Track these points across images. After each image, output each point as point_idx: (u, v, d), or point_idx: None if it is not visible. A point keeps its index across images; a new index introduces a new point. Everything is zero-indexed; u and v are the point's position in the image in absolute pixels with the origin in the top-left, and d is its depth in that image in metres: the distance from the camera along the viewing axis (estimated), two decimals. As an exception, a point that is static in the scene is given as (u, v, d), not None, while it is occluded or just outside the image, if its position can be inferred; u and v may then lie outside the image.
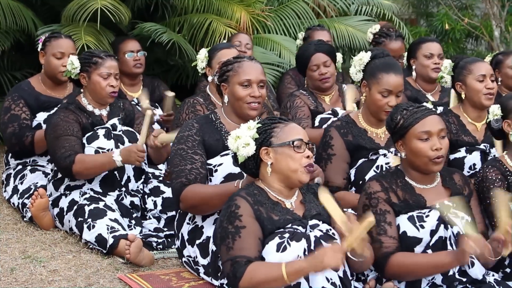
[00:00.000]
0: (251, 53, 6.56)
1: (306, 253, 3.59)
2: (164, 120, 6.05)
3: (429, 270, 3.82)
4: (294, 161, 3.69)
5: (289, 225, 3.67)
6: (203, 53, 5.61)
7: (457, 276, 3.88)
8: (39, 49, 5.70)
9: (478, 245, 3.66)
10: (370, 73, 4.62)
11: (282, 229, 3.65)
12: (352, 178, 4.60)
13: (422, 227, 3.90)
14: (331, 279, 3.59)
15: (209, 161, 4.32)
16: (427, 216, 3.92)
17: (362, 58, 4.70)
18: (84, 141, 5.01)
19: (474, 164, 4.85)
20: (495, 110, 4.38)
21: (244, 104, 4.34)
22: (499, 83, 5.84)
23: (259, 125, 3.77)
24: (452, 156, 4.87)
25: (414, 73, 5.99)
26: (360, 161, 4.59)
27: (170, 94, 6.08)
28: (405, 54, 6.25)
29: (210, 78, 5.54)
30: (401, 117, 3.97)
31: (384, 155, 4.54)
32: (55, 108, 5.35)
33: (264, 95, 4.39)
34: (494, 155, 4.75)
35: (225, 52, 5.46)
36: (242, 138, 3.76)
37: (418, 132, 3.92)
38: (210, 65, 5.54)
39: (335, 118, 5.38)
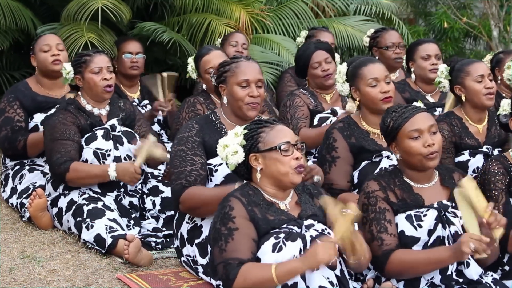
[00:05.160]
0: (247, 53, 6.57)
1: (302, 253, 3.58)
2: (165, 109, 6.06)
3: (429, 266, 3.82)
4: (283, 165, 3.69)
5: (284, 225, 3.67)
6: (191, 63, 5.71)
7: (454, 276, 3.88)
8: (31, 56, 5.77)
9: (478, 245, 3.64)
10: (352, 76, 4.69)
11: (277, 230, 3.65)
12: (356, 180, 4.60)
13: (420, 226, 3.90)
14: (328, 278, 3.60)
15: (209, 161, 4.32)
16: (424, 215, 3.92)
17: (341, 70, 4.82)
18: (83, 142, 5.01)
19: (478, 167, 4.84)
20: (505, 105, 4.39)
21: (243, 104, 4.34)
22: (499, 81, 5.84)
23: (246, 131, 3.77)
24: (456, 159, 4.87)
25: (413, 76, 5.99)
26: (363, 164, 4.59)
27: (164, 74, 6.12)
28: (404, 57, 6.27)
29: (204, 86, 5.61)
30: (391, 120, 3.99)
31: (388, 157, 4.54)
32: (53, 109, 5.36)
33: (262, 95, 4.40)
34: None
35: (206, 59, 5.57)
36: (230, 147, 3.76)
37: (408, 132, 3.93)
38: (200, 75, 5.62)
39: (334, 118, 5.40)
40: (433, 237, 3.89)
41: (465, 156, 4.88)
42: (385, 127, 4.02)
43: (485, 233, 3.71)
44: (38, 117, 5.58)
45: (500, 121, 4.45)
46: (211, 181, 4.33)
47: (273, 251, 3.59)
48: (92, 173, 4.91)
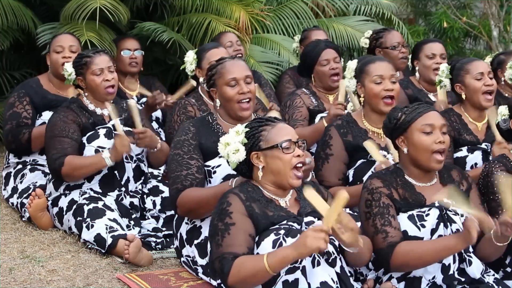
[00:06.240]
0: (242, 49, 6.55)
1: None
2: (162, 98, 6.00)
3: (437, 254, 3.80)
4: (284, 163, 3.71)
5: (284, 222, 3.68)
6: (191, 56, 5.63)
7: (456, 275, 3.88)
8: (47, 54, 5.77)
9: (484, 223, 3.67)
10: (359, 72, 4.73)
11: (277, 226, 3.67)
12: (351, 178, 4.62)
13: (423, 226, 3.90)
14: (328, 275, 3.60)
15: (207, 163, 4.32)
16: (427, 215, 3.92)
17: (350, 66, 4.84)
18: (85, 140, 5.01)
19: (476, 164, 4.86)
20: (503, 111, 4.41)
21: (235, 104, 4.35)
22: (502, 82, 5.85)
23: (247, 129, 3.79)
24: (454, 155, 4.88)
25: (417, 74, 6.02)
26: (359, 162, 4.61)
27: (193, 82, 6.06)
28: (409, 56, 6.29)
29: (201, 80, 5.54)
30: (403, 113, 4.01)
31: (384, 156, 4.55)
32: None
33: (253, 90, 4.40)
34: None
35: (214, 52, 5.48)
36: (231, 145, 3.78)
37: (421, 125, 3.95)
38: (200, 67, 5.56)
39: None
40: (435, 236, 3.89)
41: (463, 152, 4.89)
42: (394, 121, 4.01)
43: (503, 231, 3.74)
44: (47, 115, 5.54)
45: (500, 128, 4.44)
46: (210, 183, 4.32)
47: (273, 247, 3.60)
48: (87, 161, 4.90)
